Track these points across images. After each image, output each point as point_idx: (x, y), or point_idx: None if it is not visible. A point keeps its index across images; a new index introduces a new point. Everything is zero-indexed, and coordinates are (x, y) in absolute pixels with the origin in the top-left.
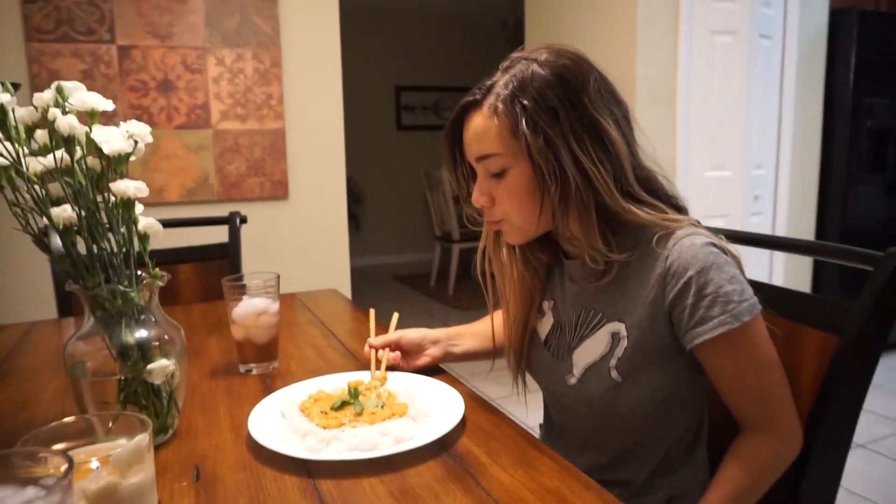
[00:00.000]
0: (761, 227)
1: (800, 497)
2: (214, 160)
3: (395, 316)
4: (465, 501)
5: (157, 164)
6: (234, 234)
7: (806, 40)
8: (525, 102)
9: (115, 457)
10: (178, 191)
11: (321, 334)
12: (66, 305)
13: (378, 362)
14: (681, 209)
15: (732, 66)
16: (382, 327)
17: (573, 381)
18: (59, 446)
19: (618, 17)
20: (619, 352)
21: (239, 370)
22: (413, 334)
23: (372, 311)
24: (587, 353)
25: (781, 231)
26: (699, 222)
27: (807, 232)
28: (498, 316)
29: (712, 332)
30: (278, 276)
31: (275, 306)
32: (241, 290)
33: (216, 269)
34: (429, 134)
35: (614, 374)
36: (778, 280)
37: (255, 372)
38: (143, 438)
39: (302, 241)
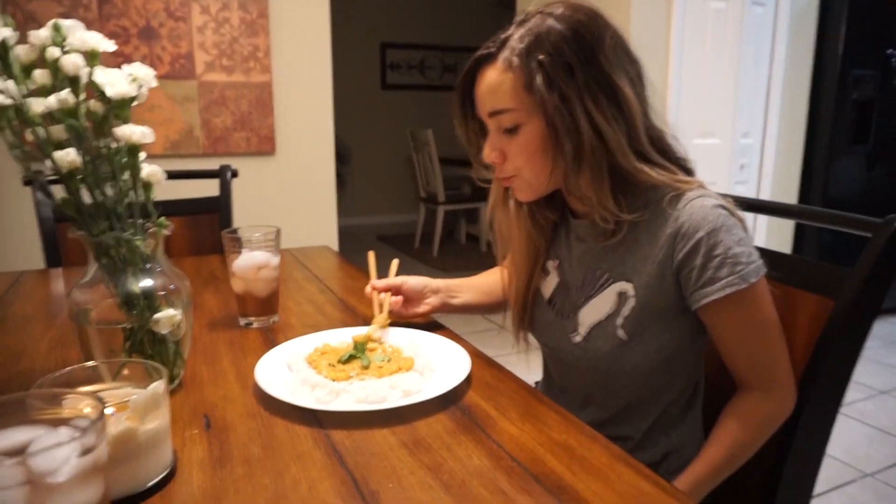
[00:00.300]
0: (746, 194)
1: (789, 454)
2: (200, 113)
3: (395, 262)
4: (477, 452)
5: (140, 115)
6: (225, 188)
7: (798, 8)
8: (541, 58)
9: (134, 402)
10: (162, 143)
11: (318, 290)
12: (54, 255)
13: (380, 306)
14: (689, 171)
15: (724, 33)
16: (381, 273)
17: (578, 339)
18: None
19: None
20: (625, 311)
21: (239, 323)
22: (414, 281)
23: (371, 254)
24: (593, 311)
25: (765, 199)
26: (704, 185)
27: (789, 201)
28: (497, 274)
29: (720, 293)
30: (279, 230)
31: (275, 260)
32: (242, 244)
33: (206, 222)
34: (414, 93)
35: (620, 332)
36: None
37: (255, 325)
38: (159, 385)
39: (289, 197)
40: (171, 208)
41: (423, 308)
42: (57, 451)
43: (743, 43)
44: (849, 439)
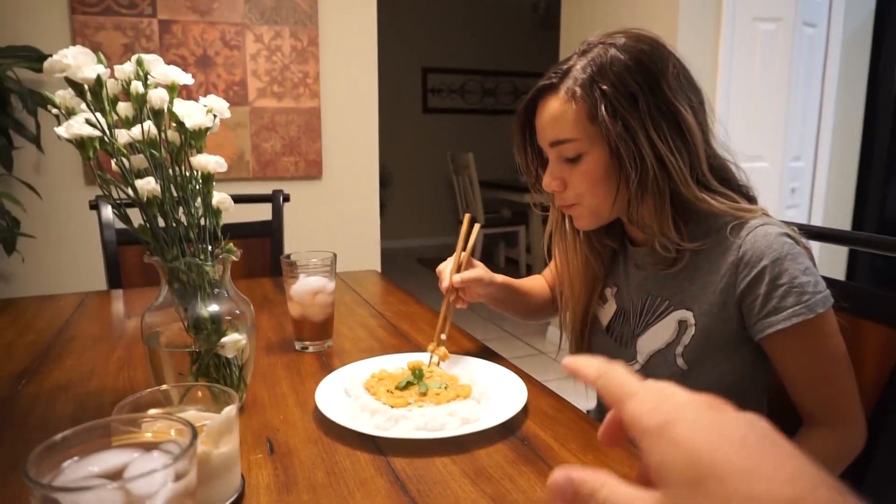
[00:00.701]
0: (797, 220)
1: (861, 495)
2: (251, 137)
3: (476, 227)
4: (540, 484)
5: None
6: (278, 212)
7: (851, 28)
8: (604, 87)
9: (209, 427)
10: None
11: (369, 314)
12: (116, 277)
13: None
14: (751, 199)
15: (774, 54)
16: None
17: (637, 367)
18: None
19: (659, 1)
20: (685, 339)
21: (295, 347)
22: (486, 276)
23: (466, 217)
24: (652, 339)
25: (816, 224)
26: (768, 213)
27: (843, 226)
28: (540, 280)
29: (785, 323)
30: (335, 256)
31: (331, 285)
32: (299, 269)
33: (258, 246)
34: (455, 117)
35: (680, 361)
36: None
37: (310, 349)
38: (231, 409)
39: (334, 221)
40: (224, 232)
41: (471, 273)
42: (155, 476)
43: (793, 64)
44: None
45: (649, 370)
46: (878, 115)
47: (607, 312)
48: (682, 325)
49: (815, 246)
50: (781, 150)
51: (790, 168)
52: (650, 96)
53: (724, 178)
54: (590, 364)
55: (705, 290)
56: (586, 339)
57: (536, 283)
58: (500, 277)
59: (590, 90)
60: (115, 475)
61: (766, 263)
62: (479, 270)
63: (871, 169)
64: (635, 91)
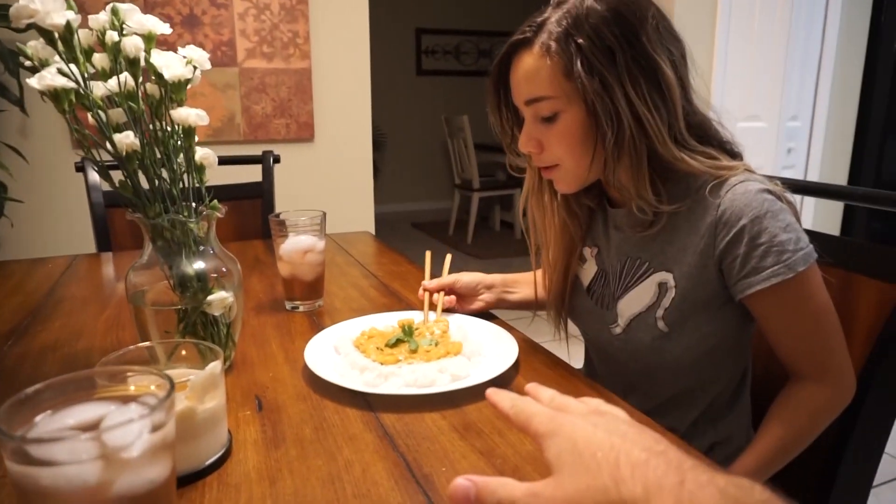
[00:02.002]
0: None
1: (848, 447)
2: (241, 100)
3: (448, 258)
4: (529, 438)
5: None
6: (268, 174)
7: None
8: (580, 41)
9: (193, 382)
10: (204, 130)
11: (361, 274)
12: (105, 240)
13: (433, 305)
14: (735, 154)
15: (774, 12)
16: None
17: (618, 330)
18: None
19: None
20: (665, 302)
21: (285, 307)
22: (468, 278)
23: (428, 254)
24: (633, 302)
25: None
26: (751, 168)
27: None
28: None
29: (765, 283)
30: (324, 214)
31: (321, 244)
32: (288, 228)
33: (249, 208)
34: (450, 79)
35: (661, 324)
36: None
37: (301, 309)
38: (216, 365)
39: (327, 184)
40: (214, 194)
41: (476, 305)
42: (130, 427)
43: (793, 23)
44: None
45: (630, 333)
46: (877, 75)
47: (588, 273)
48: (662, 287)
49: (810, 205)
50: (778, 110)
51: (787, 128)
52: (628, 49)
53: (705, 136)
54: (505, 398)
55: (685, 252)
56: (567, 300)
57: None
58: (516, 295)
59: (565, 44)
60: (91, 427)
61: (745, 223)
62: (485, 301)
63: (868, 130)
64: (612, 45)
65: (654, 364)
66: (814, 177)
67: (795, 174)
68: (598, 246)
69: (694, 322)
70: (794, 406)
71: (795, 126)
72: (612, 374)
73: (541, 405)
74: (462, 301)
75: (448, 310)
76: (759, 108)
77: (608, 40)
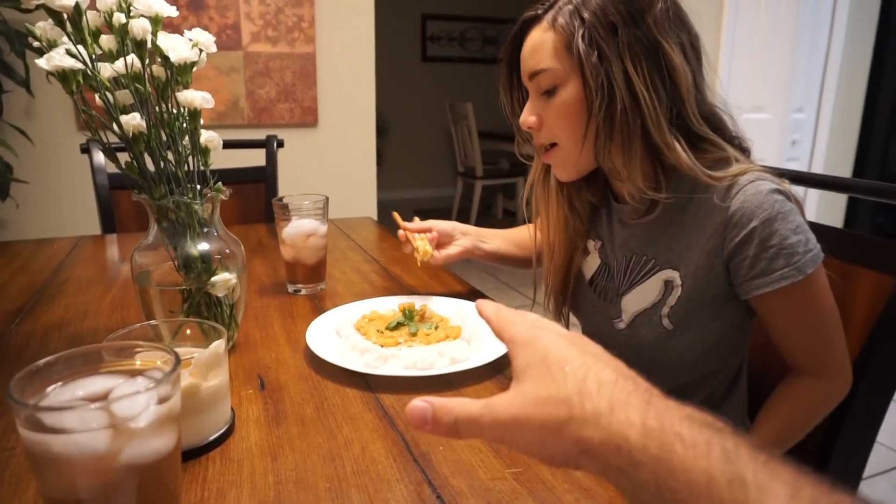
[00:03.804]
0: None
1: (839, 437)
2: (245, 83)
3: (416, 218)
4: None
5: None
6: (272, 158)
7: None
8: (585, 15)
9: (197, 359)
10: (208, 114)
11: (362, 259)
12: (109, 222)
13: (415, 246)
14: (744, 150)
15: (781, 3)
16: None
17: (622, 326)
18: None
19: None
20: (671, 300)
21: (287, 290)
22: (444, 224)
23: (395, 213)
24: (638, 299)
25: None
26: (754, 166)
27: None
28: (528, 231)
29: (774, 285)
30: (327, 199)
31: (323, 228)
32: (291, 212)
33: (252, 192)
34: (454, 66)
35: (666, 321)
36: None
37: (303, 292)
38: (220, 344)
39: (330, 169)
40: (216, 174)
41: (453, 250)
42: (137, 398)
43: (801, 14)
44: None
45: (634, 329)
46: (884, 69)
47: (590, 265)
48: (668, 285)
49: (813, 198)
50: (784, 102)
51: (792, 120)
52: (632, 28)
53: (715, 127)
54: (490, 306)
55: (692, 250)
56: (570, 291)
57: (524, 235)
58: (489, 245)
59: (570, 18)
60: (100, 398)
61: (756, 224)
62: (462, 246)
63: (875, 123)
64: (616, 20)
65: (657, 360)
66: (818, 169)
67: (800, 166)
68: (601, 239)
69: (698, 319)
70: (793, 400)
71: (801, 118)
72: None
73: (525, 318)
74: (440, 246)
75: (440, 294)
76: (764, 100)
77: (612, 16)
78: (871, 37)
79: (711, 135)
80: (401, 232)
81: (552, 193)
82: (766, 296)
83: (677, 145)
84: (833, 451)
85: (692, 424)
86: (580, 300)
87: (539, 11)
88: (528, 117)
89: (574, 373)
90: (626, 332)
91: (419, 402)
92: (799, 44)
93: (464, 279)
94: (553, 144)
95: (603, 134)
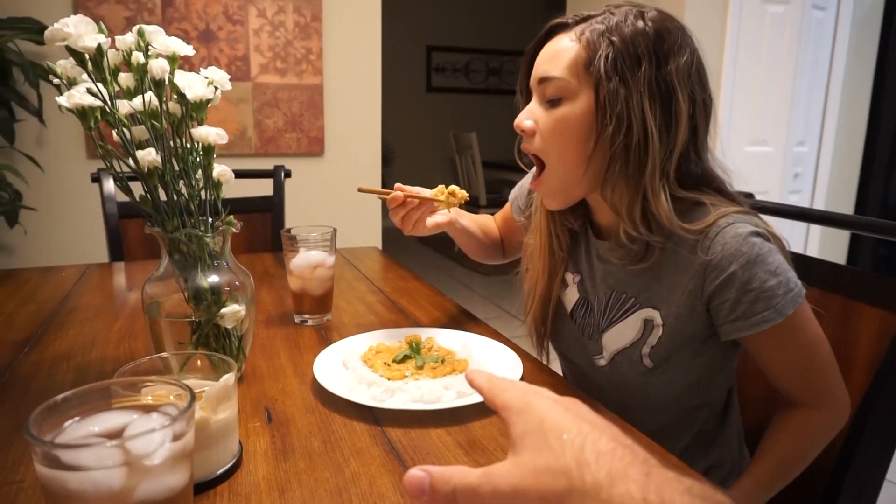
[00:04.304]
0: (799, 205)
1: (847, 477)
2: (253, 114)
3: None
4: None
5: None
6: (279, 187)
7: (861, 13)
8: (614, 39)
9: (208, 393)
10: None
11: (368, 290)
12: (117, 250)
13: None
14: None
15: (782, 38)
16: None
17: (602, 363)
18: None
19: None
20: (652, 340)
21: (294, 320)
22: (427, 192)
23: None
24: (618, 337)
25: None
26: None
27: (846, 212)
28: (491, 223)
29: (756, 328)
30: (335, 231)
31: (331, 260)
32: (299, 243)
33: (259, 221)
34: (459, 96)
35: (647, 360)
36: None
37: (309, 323)
38: (230, 377)
39: (336, 198)
40: (227, 205)
41: (442, 218)
42: (153, 435)
43: (801, 48)
44: None
45: (615, 367)
46: (884, 102)
47: (570, 298)
48: (648, 324)
49: (817, 227)
50: (786, 135)
51: (794, 153)
52: (654, 68)
53: (709, 185)
54: (482, 374)
55: (673, 291)
56: (549, 322)
57: (488, 227)
58: (461, 222)
59: (599, 37)
60: (115, 435)
61: (736, 269)
62: (447, 217)
63: (876, 156)
64: (642, 54)
65: (639, 396)
66: (820, 201)
67: (802, 199)
68: (580, 273)
69: (679, 357)
70: (792, 431)
71: (803, 151)
72: (597, 401)
73: (517, 385)
74: (424, 215)
75: (446, 326)
76: (766, 133)
77: (640, 50)
78: (871, 71)
79: (686, 194)
80: (397, 194)
81: (540, 216)
82: (750, 337)
83: (662, 195)
84: (841, 490)
85: (693, 499)
86: (562, 333)
87: (570, 20)
88: (524, 120)
89: (572, 441)
90: (606, 370)
91: (417, 472)
92: (799, 79)
93: (466, 308)
94: (542, 166)
95: (617, 164)
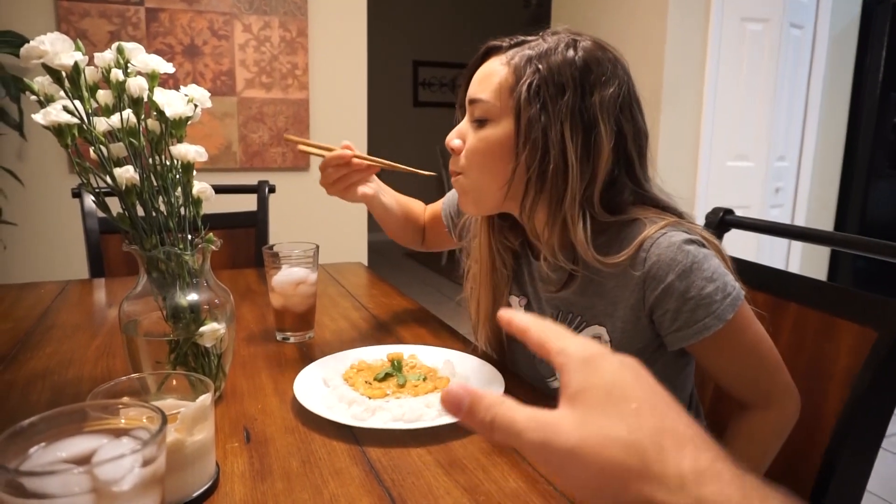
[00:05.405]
0: (780, 219)
1: (829, 489)
2: (238, 128)
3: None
4: (513, 475)
5: None
6: (263, 203)
7: (837, 31)
8: (540, 66)
9: (183, 414)
10: None
11: (352, 306)
12: (98, 266)
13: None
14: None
15: (761, 55)
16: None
17: (556, 384)
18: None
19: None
20: None
21: (276, 338)
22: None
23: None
24: None
25: (800, 224)
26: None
27: (826, 226)
28: (420, 208)
29: (698, 336)
30: (317, 247)
31: (313, 276)
32: (281, 260)
33: (242, 236)
34: (446, 111)
35: None
36: None
37: (291, 340)
38: (207, 398)
39: (321, 213)
40: (208, 222)
41: (369, 191)
42: (122, 461)
43: (780, 65)
44: (885, 473)
45: None
46: (861, 117)
47: None
48: (597, 341)
49: (797, 245)
50: (766, 150)
51: (774, 168)
52: (578, 98)
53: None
54: (523, 317)
55: (616, 306)
56: (504, 342)
57: (414, 212)
58: (384, 199)
59: (526, 63)
60: (83, 461)
61: (672, 278)
62: (373, 190)
63: (855, 170)
64: (566, 83)
65: None
66: (801, 215)
67: (783, 213)
68: (526, 296)
69: None
70: (746, 435)
71: (783, 166)
72: None
73: (571, 334)
74: (358, 183)
75: (429, 344)
76: (747, 148)
77: (565, 79)
78: (848, 87)
79: (616, 218)
80: (344, 153)
81: (484, 230)
82: (694, 344)
83: (580, 224)
84: (823, 502)
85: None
86: (514, 355)
87: (504, 44)
88: (452, 139)
89: (647, 417)
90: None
91: (458, 389)
92: (778, 95)
93: (451, 323)
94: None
95: (534, 190)
